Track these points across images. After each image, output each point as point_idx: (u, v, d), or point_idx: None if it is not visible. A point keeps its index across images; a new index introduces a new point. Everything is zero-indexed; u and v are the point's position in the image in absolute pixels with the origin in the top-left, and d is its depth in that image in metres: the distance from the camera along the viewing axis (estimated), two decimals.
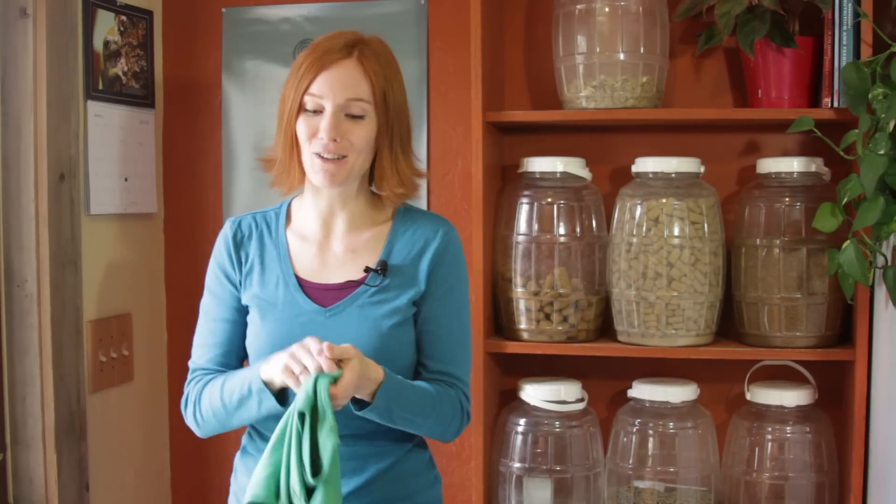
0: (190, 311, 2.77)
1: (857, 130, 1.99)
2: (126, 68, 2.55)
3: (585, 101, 2.30)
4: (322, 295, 1.68)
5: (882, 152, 1.93)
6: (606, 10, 2.27)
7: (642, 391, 2.30)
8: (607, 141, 2.48)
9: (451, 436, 1.73)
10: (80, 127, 2.37)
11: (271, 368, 1.57)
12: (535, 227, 2.33)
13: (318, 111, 1.63)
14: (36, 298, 2.22)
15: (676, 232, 2.23)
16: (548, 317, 2.31)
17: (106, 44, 2.48)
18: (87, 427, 2.37)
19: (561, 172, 2.32)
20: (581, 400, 2.34)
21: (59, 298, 2.26)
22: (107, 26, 2.48)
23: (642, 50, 2.27)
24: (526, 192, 2.35)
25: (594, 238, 2.35)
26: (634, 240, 2.25)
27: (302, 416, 1.47)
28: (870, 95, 1.98)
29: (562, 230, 2.33)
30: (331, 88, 1.61)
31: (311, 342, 1.53)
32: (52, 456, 2.24)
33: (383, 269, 1.68)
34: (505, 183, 2.49)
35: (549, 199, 2.33)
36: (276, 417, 1.56)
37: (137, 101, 2.60)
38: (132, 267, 2.62)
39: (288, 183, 1.70)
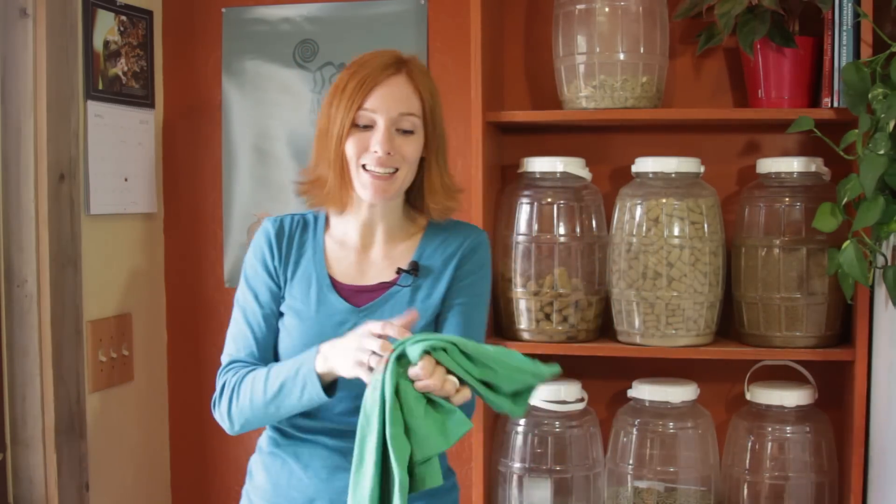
0: (190, 311, 2.79)
1: (857, 130, 1.99)
2: (126, 68, 2.55)
3: (585, 101, 2.29)
4: (355, 296, 1.72)
5: (882, 152, 1.93)
6: (606, 10, 2.27)
7: (642, 391, 2.30)
8: (607, 141, 2.48)
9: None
10: (80, 127, 2.37)
11: (333, 361, 1.54)
12: (535, 227, 2.33)
13: (368, 126, 1.66)
14: (36, 298, 2.22)
15: (676, 232, 2.23)
16: (548, 317, 2.31)
17: (106, 44, 2.48)
18: (87, 427, 2.37)
19: (561, 172, 2.32)
20: (581, 400, 2.34)
21: (59, 298, 2.26)
22: (107, 26, 2.48)
23: (642, 50, 2.27)
24: (526, 192, 2.35)
25: (594, 238, 2.35)
26: (634, 240, 2.25)
27: (383, 397, 1.42)
28: (870, 95, 1.98)
29: (562, 230, 2.32)
30: (384, 104, 1.65)
31: (372, 324, 1.51)
32: (51, 456, 2.24)
33: (415, 269, 1.72)
34: (505, 183, 2.49)
35: (549, 199, 2.33)
36: (307, 411, 1.60)
37: (137, 101, 2.60)
38: (132, 267, 2.62)
39: (340, 203, 1.73)
